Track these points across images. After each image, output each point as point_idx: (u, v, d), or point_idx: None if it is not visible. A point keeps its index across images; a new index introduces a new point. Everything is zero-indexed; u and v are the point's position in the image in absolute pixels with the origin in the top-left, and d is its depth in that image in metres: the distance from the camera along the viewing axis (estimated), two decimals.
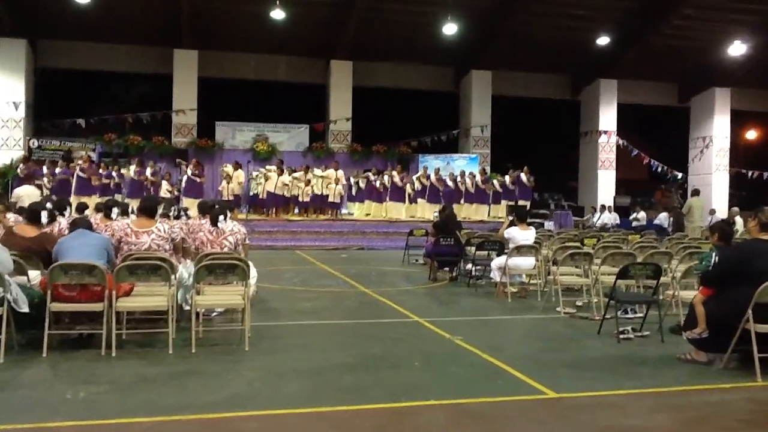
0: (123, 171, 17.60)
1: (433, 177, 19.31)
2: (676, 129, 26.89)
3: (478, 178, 19.69)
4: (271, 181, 18.22)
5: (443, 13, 19.43)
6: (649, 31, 21.08)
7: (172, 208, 8.14)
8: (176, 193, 17.45)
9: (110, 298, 5.34)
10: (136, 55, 21.56)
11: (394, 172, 19.17)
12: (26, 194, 13.76)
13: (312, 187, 18.40)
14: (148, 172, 17.28)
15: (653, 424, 4.06)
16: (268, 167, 18.86)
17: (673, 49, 21.96)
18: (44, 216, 6.35)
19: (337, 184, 18.65)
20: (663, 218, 19.81)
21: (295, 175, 18.51)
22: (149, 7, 19.60)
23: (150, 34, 20.54)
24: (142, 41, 21.03)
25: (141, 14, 19.78)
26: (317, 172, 18.62)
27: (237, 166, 18.68)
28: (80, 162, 17.16)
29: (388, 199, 18.99)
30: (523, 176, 19.68)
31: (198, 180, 17.69)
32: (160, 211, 7.05)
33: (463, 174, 19.80)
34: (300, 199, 18.56)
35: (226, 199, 17.13)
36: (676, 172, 24.25)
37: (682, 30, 20.89)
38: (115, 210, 8.01)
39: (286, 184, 18.36)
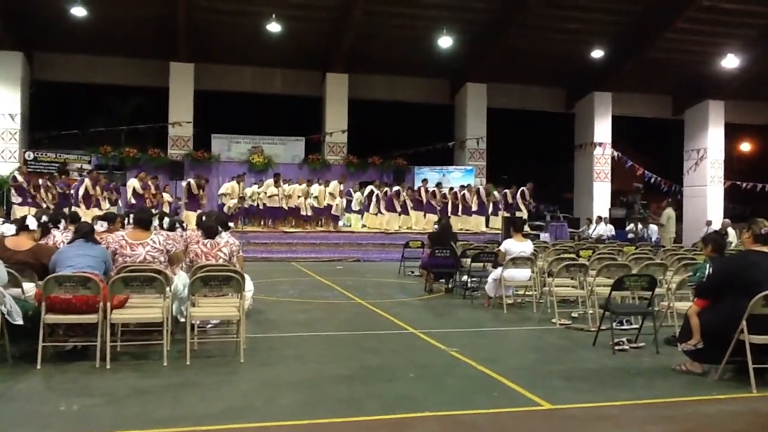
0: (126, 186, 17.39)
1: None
2: (671, 141, 27.01)
3: (466, 194, 19.58)
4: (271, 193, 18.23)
5: (438, 26, 19.58)
6: (643, 45, 21.23)
7: (165, 220, 8.10)
8: (178, 202, 17.51)
9: (105, 309, 5.33)
10: (132, 67, 21.63)
11: (399, 188, 19.15)
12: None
13: (314, 199, 18.41)
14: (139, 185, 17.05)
15: None
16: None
17: (667, 62, 22.12)
18: (33, 224, 6.15)
19: (340, 197, 18.67)
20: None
21: (296, 186, 18.49)
22: (145, 20, 19.64)
23: (146, 47, 20.60)
24: (138, 54, 21.10)
25: (137, 27, 19.83)
26: (314, 188, 18.57)
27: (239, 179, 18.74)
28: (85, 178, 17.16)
29: (385, 210, 18.96)
30: (526, 191, 19.64)
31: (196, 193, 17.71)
32: (155, 223, 7.04)
33: (462, 187, 19.78)
34: (302, 212, 18.51)
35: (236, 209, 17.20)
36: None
37: (675, 43, 21.05)
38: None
39: (288, 196, 18.36)
